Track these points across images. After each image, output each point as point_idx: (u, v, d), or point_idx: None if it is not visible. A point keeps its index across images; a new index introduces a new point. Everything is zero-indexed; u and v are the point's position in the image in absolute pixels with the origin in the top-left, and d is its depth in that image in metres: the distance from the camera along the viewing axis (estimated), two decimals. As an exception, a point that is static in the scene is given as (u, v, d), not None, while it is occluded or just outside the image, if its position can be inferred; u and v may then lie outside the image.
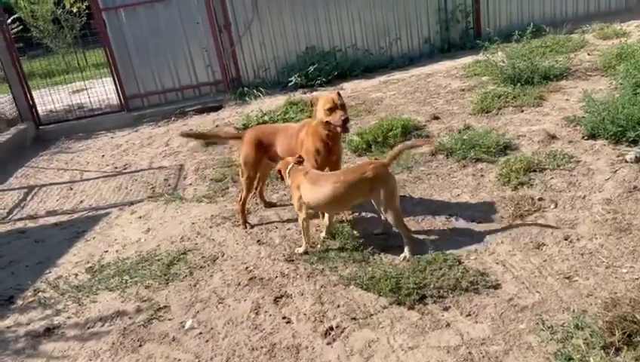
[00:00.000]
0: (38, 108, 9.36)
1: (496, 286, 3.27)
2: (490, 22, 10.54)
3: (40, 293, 4.05)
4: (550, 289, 3.16)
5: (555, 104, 6.27)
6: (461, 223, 4.09)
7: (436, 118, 6.47)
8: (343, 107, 4.02)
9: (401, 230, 3.74)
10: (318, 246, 4.02)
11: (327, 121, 4.01)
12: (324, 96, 4.11)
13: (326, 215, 4.12)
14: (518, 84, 6.91)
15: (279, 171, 4.13)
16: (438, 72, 8.92)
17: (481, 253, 3.64)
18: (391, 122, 5.96)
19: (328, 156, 4.16)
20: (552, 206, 4.10)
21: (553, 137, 5.30)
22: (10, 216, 5.75)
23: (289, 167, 3.97)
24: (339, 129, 4.02)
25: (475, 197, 4.45)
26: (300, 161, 3.99)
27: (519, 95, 6.56)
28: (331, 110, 3.98)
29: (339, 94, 4.11)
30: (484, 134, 5.37)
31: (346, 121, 3.97)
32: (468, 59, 9.15)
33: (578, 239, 3.64)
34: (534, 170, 4.66)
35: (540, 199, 4.20)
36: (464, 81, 8.07)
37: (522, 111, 6.22)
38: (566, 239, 3.66)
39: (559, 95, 6.56)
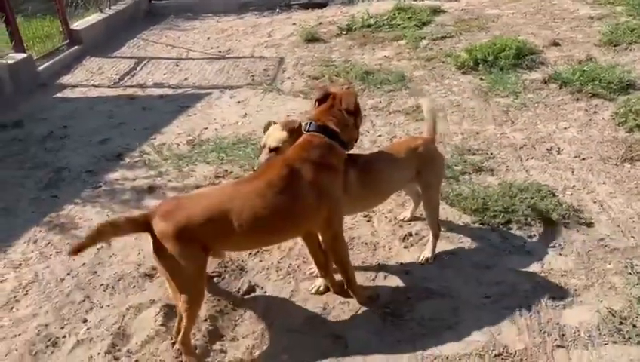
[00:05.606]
0: (152, -16, 9.58)
1: (589, 225, 3.14)
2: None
3: (145, 155, 4.40)
4: (647, 238, 3.01)
5: (699, 47, 5.56)
6: (562, 157, 3.89)
7: (556, 44, 5.95)
8: None
9: None
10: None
11: None
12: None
13: None
14: (659, 19, 6.15)
15: None
16: (566, -5, 8.07)
17: (578, 190, 3.48)
18: (505, 42, 5.58)
19: None
20: (669, 155, 3.78)
21: (687, 83, 4.76)
22: (121, 82, 6.14)
23: None
24: None
25: (584, 133, 4.17)
26: None
27: (657, 31, 5.86)
28: None
29: None
30: (607, 68, 4.92)
31: None
32: (604, -16, 8.17)
33: (691, 194, 3.37)
34: (657, 115, 4.26)
35: (657, 146, 3.88)
36: (595, 8, 7.27)
37: (657, 49, 5.59)
38: (677, 191, 3.40)
39: None
